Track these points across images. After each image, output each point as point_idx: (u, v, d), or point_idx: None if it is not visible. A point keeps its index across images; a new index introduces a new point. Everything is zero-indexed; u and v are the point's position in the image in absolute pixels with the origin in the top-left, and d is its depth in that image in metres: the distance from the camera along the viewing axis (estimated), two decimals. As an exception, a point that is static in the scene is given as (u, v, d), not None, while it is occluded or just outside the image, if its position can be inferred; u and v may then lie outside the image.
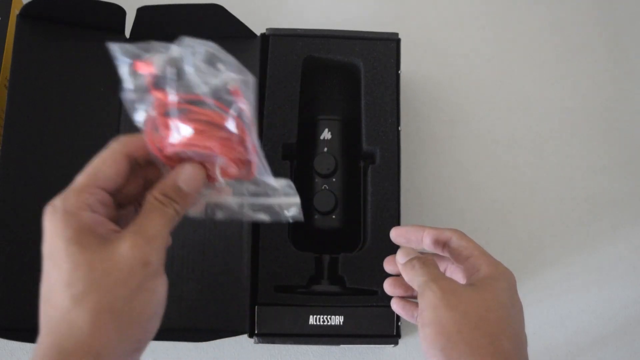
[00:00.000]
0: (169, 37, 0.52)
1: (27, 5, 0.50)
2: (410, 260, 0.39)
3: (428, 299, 0.35)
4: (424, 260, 0.38)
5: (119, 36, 0.53)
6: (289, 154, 0.49)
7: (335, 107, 0.51)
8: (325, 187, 0.48)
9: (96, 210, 0.32)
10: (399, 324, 0.47)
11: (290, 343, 0.50)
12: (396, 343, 0.46)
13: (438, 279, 0.36)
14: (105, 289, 0.30)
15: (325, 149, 0.49)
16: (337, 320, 0.46)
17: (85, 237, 0.31)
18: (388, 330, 0.46)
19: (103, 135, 0.51)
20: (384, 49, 0.51)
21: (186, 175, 0.34)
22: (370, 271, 0.46)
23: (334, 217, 0.48)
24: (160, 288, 0.33)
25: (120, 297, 0.30)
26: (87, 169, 0.34)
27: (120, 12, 0.51)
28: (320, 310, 0.46)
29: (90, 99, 0.51)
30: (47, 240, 0.31)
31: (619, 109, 0.60)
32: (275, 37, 0.51)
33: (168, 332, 0.46)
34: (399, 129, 0.50)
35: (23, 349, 0.52)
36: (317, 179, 0.49)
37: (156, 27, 0.52)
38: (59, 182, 0.49)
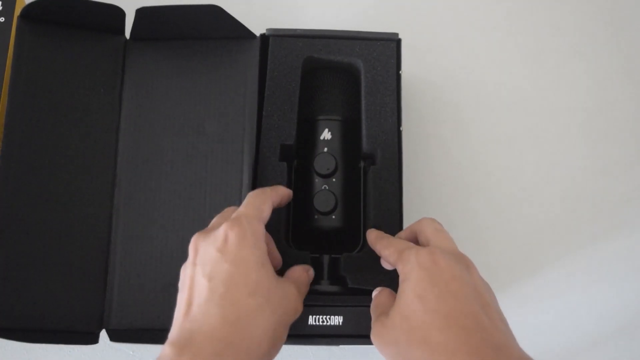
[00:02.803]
0: (169, 38, 0.53)
1: (28, 6, 0.50)
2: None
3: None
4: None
5: (119, 37, 0.53)
6: (287, 155, 0.49)
7: (336, 108, 0.51)
8: (325, 187, 0.48)
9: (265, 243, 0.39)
10: None
11: (289, 343, 0.50)
12: None
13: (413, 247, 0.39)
14: (278, 312, 0.37)
15: (325, 149, 0.49)
16: (336, 320, 0.46)
17: (268, 265, 0.38)
18: None
19: (102, 136, 0.51)
20: (384, 49, 0.51)
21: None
22: (370, 271, 0.46)
23: (333, 217, 0.48)
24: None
25: (285, 323, 0.38)
26: (255, 205, 0.40)
27: (119, 13, 0.51)
28: (319, 311, 0.46)
29: (90, 99, 0.52)
30: (231, 248, 0.37)
31: (619, 109, 0.60)
32: (275, 37, 0.51)
33: (163, 332, 0.47)
34: (400, 129, 0.50)
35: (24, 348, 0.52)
36: (317, 179, 0.48)
37: (155, 28, 0.52)
38: (58, 182, 0.50)
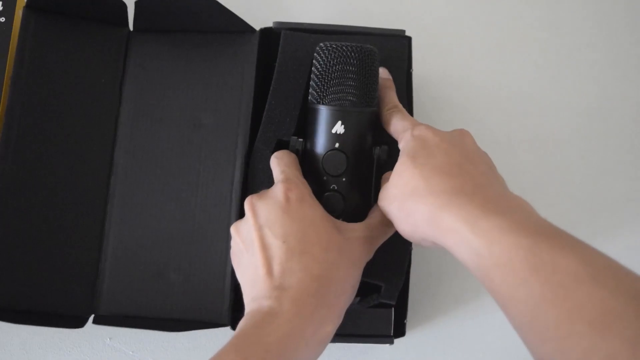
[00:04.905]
0: (170, 30, 0.53)
1: None
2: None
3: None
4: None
5: (122, 29, 0.53)
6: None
7: (349, 97, 0.43)
8: (333, 187, 0.43)
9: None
10: (405, 321, 0.46)
11: None
12: (392, 342, 0.46)
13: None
14: (351, 261, 0.39)
15: (337, 145, 0.43)
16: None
17: (331, 219, 0.40)
18: (385, 331, 0.46)
19: (101, 125, 0.52)
20: (396, 46, 0.50)
21: None
22: (375, 264, 0.44)
23: (341, 219, 0.44)
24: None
25: (355, 276, 0.39)
26: (290, 167, 0.42)
27: (121, 5, 0.52)
28: None
29: (91, 89, 0.52)
30: (296, 207, 0.38)
31: (619, 109, 0.60)
32: (286, 31, 0.50)
33: (149, 320, 0.47)
34: None
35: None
36: (326, 177, 0.44)
37: (156, 20, 0.52)
38: (55, 167, 0.50)
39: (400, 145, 0.41)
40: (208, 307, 0.48)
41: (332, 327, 0.37)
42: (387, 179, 0.42)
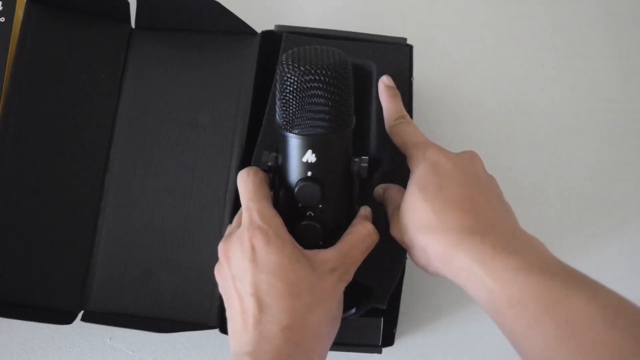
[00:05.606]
0: (172, 28, 0.53)
1: None
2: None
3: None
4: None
5: (124, 26, 0.53)
6: None
7: (320, 123, 0.38)
8: (310, 214, 0.39)
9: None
10: (394, 331, 0.46)
11: None
12: (380, 352, 0.46)
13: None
14: (325, 302, 0.37)
15: (310, 174, 0.38)
16: None
17: (300, 255, 0.37)
18: (373, 340, 0.46)
19: (99, 121, 0.52)
20: (397, 53, 0.50)
21: (370, 211, 0.41)
22: (368, 265, 0.42)
23: (321, 243, 0.40)
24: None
25: (334, 310, 0.37)
26: (256, 194, 0.39)
27: (124, 1, 0.52)
28: None
29: (91, 85, 0.52)
30: (261, 256, 0.36)
31: (619, 109, 0.60)
32: (288, 34, 0.50)
33: (136, 318, 0.47)
34: None
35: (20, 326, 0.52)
36: (301, 204, 0.39)
37: (157, 18, 0.52)
38: (51, 162, 0.50)
39: (410, 165, 0.40)
40: (197, 308, 0.47)
41: None
42: (393, 199, 0.41)
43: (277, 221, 0.37)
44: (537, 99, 0.60)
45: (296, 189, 0.38)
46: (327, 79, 0.36)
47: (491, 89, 0.61)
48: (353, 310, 0.44)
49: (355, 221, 0.40)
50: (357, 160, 0.39)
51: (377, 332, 0.46)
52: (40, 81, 0.51)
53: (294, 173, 0.39)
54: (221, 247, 0.39)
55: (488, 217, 0.36)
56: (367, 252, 0.39)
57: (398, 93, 0.46)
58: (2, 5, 0.53)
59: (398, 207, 0.40)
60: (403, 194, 0.40)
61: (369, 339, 0.46)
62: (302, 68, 0.36)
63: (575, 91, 0.61)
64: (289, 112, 0.37)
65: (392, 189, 0.43)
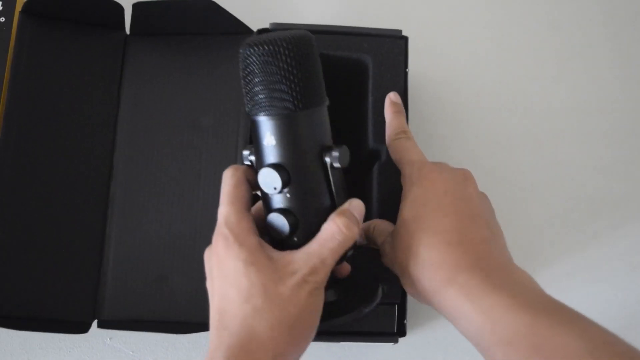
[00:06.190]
0: (168, 33, 0.53)
1: (30, 1, 0.51)
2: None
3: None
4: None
5: (119, 33, 0.53)
6: None
7: (277, 103, 0.36)
8: (278, 206, 0.37)
9: (255, 232, 0.36)
10: (405, 321, 0.46)
11: None
12: (396, 341, 0.46)
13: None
14: (280, 306, 0.34)
15: (271, 159, 0.36)
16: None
17: (260, 256, 0.35)
18: (389, 328, 0.46)
19: (100, 129, 0.52)
20: (392, 46, 0.50)
21: (356, 205, 0.37)
22: (374, 267, 0.43)
23: (295, 239, 0.37)
24: (321, 304, 0.36)
25: (293, 314, 0.34)
26: (229, 197, 0.37)
27: (118, 8, 0.52)
28: None
29: (89, 94, 0.52)
30: (222, 263, 0.36)
31: (619, 109, 0.60)
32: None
33: (152, 323, 0.47)
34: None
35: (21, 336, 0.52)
36: (268, 195, 0.37)
37: (153, 24, 0.52)
38: (55, 173, 0.50)
39: (403, 184, 0.41)
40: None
41: None
42: (382, 230, 0.41)
43: (243, 225, 0.36)
44: (537, 99, 0.60)
45: (258, 176, 0.36)
46: (283, 50, 0.34)
47: (491, 89, 0.61)
48: (370, 305, 0.41)
49: (329, 217, 0.36)
50: (330, 146, 0.36)
51: (392, 319, 0.46)
52: (39, 94, 0.50)
53: (259, 160, 0.37)
54: (205, 253, 0.39)
55: (477, 250, 0.36)
56: (340, 250, 0.36)
57: (403, 110, 0.46)
58: (1, 5, 0.53)
59: (389, 236, 0.40)
60: (390, 226, 0.41)
61: (384, 326, 0.46)
62: (259, 46, 0.34)
63: (575, 91, 0.61)
64: (250, 95, 0.36)
65: (378, 221, 0.43)
